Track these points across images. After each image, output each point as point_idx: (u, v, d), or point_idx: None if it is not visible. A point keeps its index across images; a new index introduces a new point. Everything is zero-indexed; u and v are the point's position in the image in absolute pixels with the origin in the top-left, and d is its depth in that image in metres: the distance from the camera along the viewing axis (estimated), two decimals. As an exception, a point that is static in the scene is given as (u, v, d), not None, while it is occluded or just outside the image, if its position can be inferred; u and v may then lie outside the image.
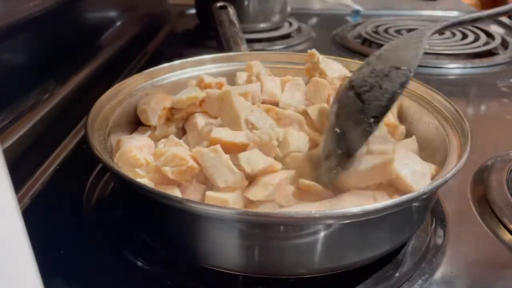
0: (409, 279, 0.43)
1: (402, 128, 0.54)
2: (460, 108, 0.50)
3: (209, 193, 0.44)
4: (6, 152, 0.51)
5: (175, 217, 0.41)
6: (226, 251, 0.40)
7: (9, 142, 0.53)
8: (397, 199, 0.37)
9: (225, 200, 0.42)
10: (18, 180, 0.54)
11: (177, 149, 0.45)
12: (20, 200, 0.52)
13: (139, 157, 0.46)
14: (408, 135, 0.55)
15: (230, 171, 0.43)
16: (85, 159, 0.43)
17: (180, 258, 0.46)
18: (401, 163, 0.42)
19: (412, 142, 0.51)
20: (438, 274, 0.44)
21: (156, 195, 0.38)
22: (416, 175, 0.42)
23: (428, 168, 0.45)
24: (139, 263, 0.45)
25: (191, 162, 0.44)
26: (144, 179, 0.46)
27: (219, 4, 0.88)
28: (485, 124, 0.73)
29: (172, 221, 0.42)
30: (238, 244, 0.39)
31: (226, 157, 0.44)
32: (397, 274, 0.44)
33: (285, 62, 0.67)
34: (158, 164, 0.45)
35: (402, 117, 0.58)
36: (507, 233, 0.49)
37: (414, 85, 0.57)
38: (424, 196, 0.38)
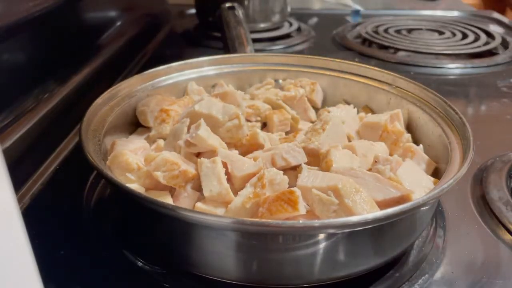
0: (409, 279, 0.43)
1: (408, 136, 0.54)
2: (460, 108, 0.50)
3: (198, 204, 0.44)
4: (6, 152, 0.51)
5: (163, 224, 0.41)
6: (217, 260, 0.40)
7: (9, 142, 0.53)
8: (391, 209, 0.36)
9: (213, 213, 0.42)
10: (18, 180, 0.54)
11: (169, 153, 0.45)
12: (20, 200, 0.52)
13: (131, 161, 0.46)
14: (414, 142, 0.55)
15: (218, 182, 0.43)
16: (85, 159, 0.43)
17: (173, 265, 0.45)
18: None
19: (422, 159, 0.51)
20: (438, 274, 0.44)
21: (144, 200, 0.37)
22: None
23: (430, 182, 0.46)
24: (139, 263, 0.45)
25: (184, 166, 0.44)
26: (135, 184, 0.45)
27: (227, 4, 0.88)
28: (485, 124, 0.73)
29: (160, 228, 0.41)
30: (232, 254, 0.39)
31: (220, 169, 0.44)
32: (397, 274, 0.44)
33: (285, 64, 0.67)
34: (149, 169, 0.44)
35: (409, 125, 0.58)
36: (506, 233, 0.49)
37: (418, 90, 0.57)
38: (416, 207, 0.37)
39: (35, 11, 0.61)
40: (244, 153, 0.49)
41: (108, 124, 0.51)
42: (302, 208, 0.39)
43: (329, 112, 0.57)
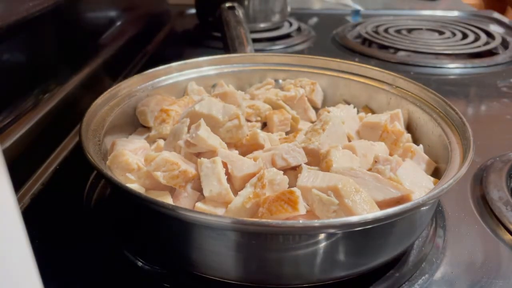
0: (409, 279, 0.43)
1: (407, 136, 0.54)
2: (460, 108, 0.50)
3: (198, 204, 0.44)
4: (6, 152, 0.51)
5: (163, 224, 0.41)
6: (217, 260, 0.40)
7: (9, 142, 0.53)
8: (391, 209, 0.36)
9: (213, 213, 0.42)
10: (18, 180, 0.54)
11: (169, 153, 0.45)
12: (20, 200, 0.52)
13: (131, 162, 0.46)
14: (414, 142, 0.55)
15: (218, 183, 0.43)
16: (85, 159, 0.43)
17: (173, 265, 0.45)
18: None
19: (422, 159, 0.51)
20: (438, 274, 0.44)
21: (144, 201, 0.37)
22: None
23: (430, 182, 0.46)
24: (139, 263, 0.45)
25: (184, 166, 0.44)
26: (135, 184, 0.45)
27: (227, 4, 0.88)
28: (485, 124, 0.73)
29: (160, 228, 0.41)
30: (232, 254, 0.39)
31: (220, 169, 0.44)
32: (397, 274, 0.44)
33: (285, 64, 0.67)
34: (149, 169, 0.44)
35: (409, 125, 0.58)
36: (506, 233, 0.49)
37: (418, 90, 0.57)
38: (417, 207, 0.37)
39: (35, 11, 0.61)
40: (244, 153, 0.49)
41: (108, 124, 0.51)
42: (302, 208, 0.39)
43: (329, 112, 0.58)
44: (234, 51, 0.78)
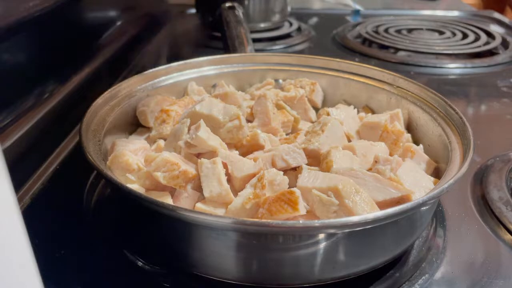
0: (409, 279, 0.43)
1: (407, 136, 0.54)
2: (460, 108, 0.50)
3: (198, 204, 0.44)
4: (6, 152, 0.51)
5: (163, 224, 0.41)
6: (218, 260, 0.40)
7: (9, 142, 0.53)
8: (391, 209, 0.36)
9: (213, 214, 0.42)
10: (18, 180, 0.54)
11: (169, 154, 0.45)
12: (20, 200, 0.52)
13: (131, 162, 0.46)
14: (414, 142, 0.55)
15: (218, 183, 0.43)
16: (85, 159, 0.43)
17: (173, 265, 0.45)
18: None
19: (422, 158, 0.51)
20: (438, 274, 0.44)
21: (144, 201, 0.37)
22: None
23: (430, 182, 0.46)
24: (139, 263, 0.45)
25: (184, 167, 0.44)
26: (135, 185, 0.45)
27: (227, 4, 0.88)
28: (485, 124, 0.73)
29: (160, 228, 0.41)
30: (233, 254, 0.39)
31: (220, 169, 0.44)
32: (397, 274, 0.44)
33: (285, 64, 0.67)
34: (149, 169, 0.44)
35: (409, 125, 0.58)
36: (507, 233, 0.49)
37: (419, 90, 0.57)
38: (417, 207, 0.37)
39: (35, 11, 0.61)
40: (244, 154, 0.49)
41: (108, 124, 0.51)
42: (302, 209, 0.39)
43: (328, 113, 0.58)
44: (234, 51, 0.78)
